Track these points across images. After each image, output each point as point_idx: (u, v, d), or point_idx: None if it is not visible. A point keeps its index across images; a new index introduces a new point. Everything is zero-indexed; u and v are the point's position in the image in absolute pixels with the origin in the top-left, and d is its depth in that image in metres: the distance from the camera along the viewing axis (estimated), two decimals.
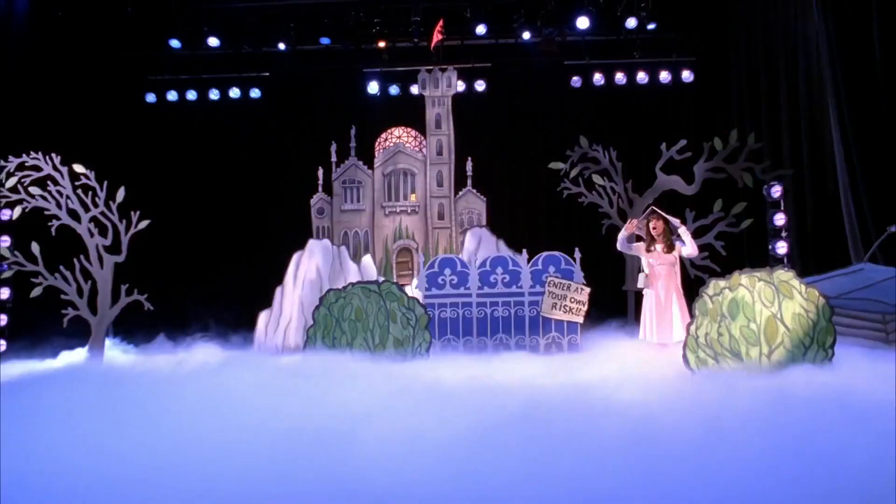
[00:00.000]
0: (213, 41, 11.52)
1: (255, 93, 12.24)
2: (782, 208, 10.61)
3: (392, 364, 7.04)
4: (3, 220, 10.38)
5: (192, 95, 12.17)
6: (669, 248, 7.83)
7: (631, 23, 11.21)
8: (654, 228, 7.83)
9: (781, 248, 10.53)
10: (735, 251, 10.46)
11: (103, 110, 11.16)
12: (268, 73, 12.28)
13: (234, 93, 12.21)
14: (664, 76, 11.82)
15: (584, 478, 3.66)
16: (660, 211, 7.94)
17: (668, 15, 11.33)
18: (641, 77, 11.83)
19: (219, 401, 5.36)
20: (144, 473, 3.89)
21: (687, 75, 11.84)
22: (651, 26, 11.27)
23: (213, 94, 12.19)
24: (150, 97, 12.10)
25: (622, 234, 7.96)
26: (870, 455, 3.69)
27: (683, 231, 7.85)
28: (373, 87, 11.95)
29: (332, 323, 7.54)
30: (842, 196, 9.41)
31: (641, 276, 8.01)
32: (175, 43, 11.56)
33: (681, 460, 3.80)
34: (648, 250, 7.89)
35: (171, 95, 12.14)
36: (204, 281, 10.91)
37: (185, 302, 10.45)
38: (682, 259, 8.05)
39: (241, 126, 11.94)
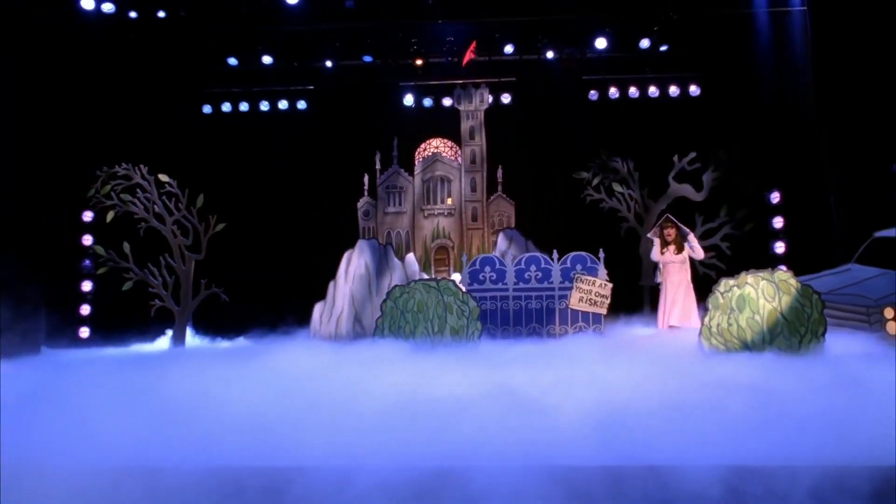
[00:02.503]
0: (267, 59, 12.55)
1: (301, 104, 13.08)
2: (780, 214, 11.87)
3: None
4: (86, 221, 11.61)
5: (244, 107, 13.02)
6: (680, 249, 9.44)
7: (644, 43, 12.22)
8: (668, 234, 9.43)
9: (779, 248, 11.79)
10: (739, 251, 11.58)
11: (175, 123, 12.17)
12: (312, 87, 13.21)
13: (283, 104, 13.04)
14: (673, 90, 12.72)
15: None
16: (674, 219, 9.49)
17: (677, 35, 12.17)
18: (652, 91, 12.72)
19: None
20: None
21: (694, 89, 12.71)
22: (664, 48, 12.27)
23: (264, 106, 13.01)
24: (206, 108, 12.93)
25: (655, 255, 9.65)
26: (856, 413, 4.78)
27: (692, 238, 9.51)
28: (408, 100, 12.89)
29: (397, 314, 8.75)
30: (832, 205, 10.67)
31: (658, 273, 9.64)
32: (232, 60, 12.60)
33: (696, 420, 4.87)
34: (662, 252, 9.45)
35: (226, 107, 12.97)
36: (267, 276, 11.87)
37: (253, 294, 11.54)
38: (691, 258, 9.54)
39: (291, 135, 12.80)
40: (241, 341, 10.57)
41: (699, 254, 9.60)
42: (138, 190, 10.98)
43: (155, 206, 10.98)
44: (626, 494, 4.21)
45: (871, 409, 4.84)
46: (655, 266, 9.88)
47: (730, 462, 4.25)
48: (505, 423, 4.98)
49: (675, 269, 9.47)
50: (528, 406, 5.33)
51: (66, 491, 4.39)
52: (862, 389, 5.34)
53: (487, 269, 10.33)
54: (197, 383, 6.39)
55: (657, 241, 9.63)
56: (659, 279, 9.66)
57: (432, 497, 4.25)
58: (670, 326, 9.28)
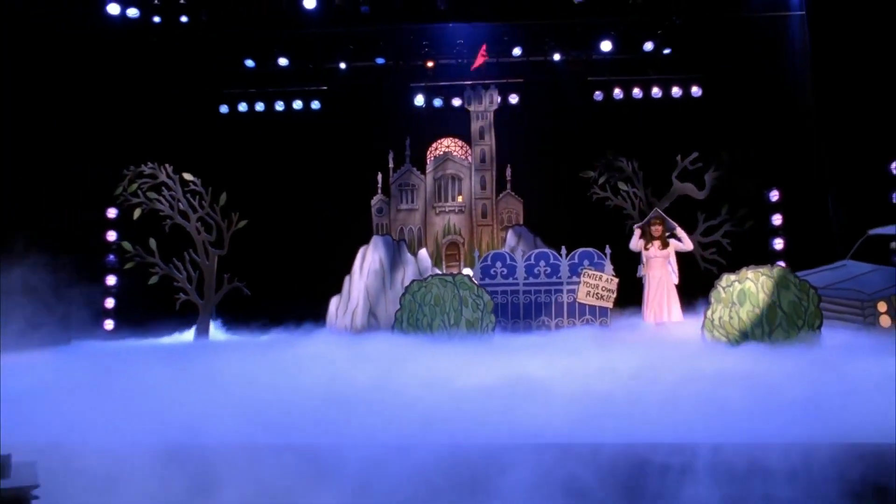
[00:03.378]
0: (283, 61, 12.88)
1: (315, 104, 13.43)
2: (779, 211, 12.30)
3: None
4: (111, 218, 12.06)
5: (260, 107, 13.38)
6: (664, 245, 9.76)
7: (648, 46, 12.55)
8: (655, 231, 9.75)
9: (778, 244, 12.20)
10: (739, 247, 11.88)
11: (197, 123, 12.64)
12: (325, 88, 13.51)
13: (297, 104, 13.38)
14: (676, 91, 13.06)
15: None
16: (663, 215, 9.89)
17: (680, 38, 12.52)
18: (656, 92, 13.05)
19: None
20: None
21: (696, 91, 13.04)
22: (667, 51, 12.63)
23: (279, 106, 13.36)
24: (224, 108, 13.33)
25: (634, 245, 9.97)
26: (847, 397, 5.13)
27: (680, 231, 9.87)
28: (419, 101, 13.25)
29: (415, 307, 9.14)
30: (830, 203, 11.07)
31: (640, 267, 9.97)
32: (249, 62, 12.99)
33: (702, 403, 5.22)
34: (647, 247, 9.79)
35: (242, 107, 13.36)
36: (285, 271, 12.26)
37: (272, 288, 11.94)
38: (692, 252, 9.93)
39: (306, 135, 13.18)
40: (262, 332, 10.94)
41: (688, 245, 9.90)
42: (164, 188, 11.38)
43: (180, 204, 11.39)
44: (632, 469, 4.46)
45: (857, 394, 5.20)
46: (639, 261, 10.10)
47: (725, 440, 4.53)
48: (521, 407, 5.29)
49: (658, 263, 9.74)
50: (542, 390, 5.67)
51: (124, 469, 4.75)
52: (853, 377, 5.72)
53: (499, 264, 10.71)
54: (231, 370, 6.84)
55: (637, 233, 9.90)
56: (641, 273, 10.00)
57: (454, 472, 4.52)
58: (656, 322, 9.55)
